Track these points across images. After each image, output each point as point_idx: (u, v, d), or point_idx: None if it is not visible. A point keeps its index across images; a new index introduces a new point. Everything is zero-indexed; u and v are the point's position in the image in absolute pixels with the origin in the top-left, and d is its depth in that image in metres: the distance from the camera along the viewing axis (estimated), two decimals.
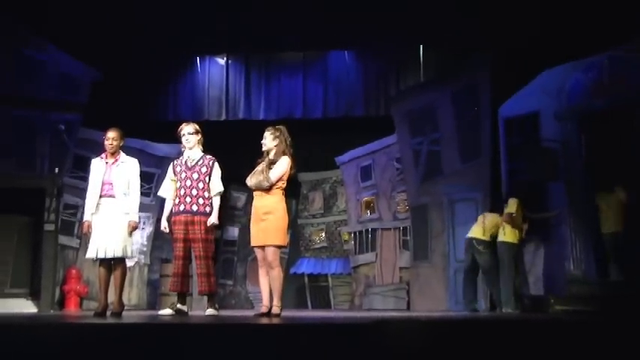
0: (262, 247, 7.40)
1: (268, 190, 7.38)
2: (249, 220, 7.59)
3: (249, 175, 7.48)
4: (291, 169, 7.49)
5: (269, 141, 7.50)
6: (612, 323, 5.35)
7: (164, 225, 7.89)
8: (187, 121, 8.30)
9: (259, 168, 7.44)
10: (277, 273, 7.40)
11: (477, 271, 10.79)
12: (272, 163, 7.43)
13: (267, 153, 7.50)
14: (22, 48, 12.50)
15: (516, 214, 10.36)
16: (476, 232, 10.73)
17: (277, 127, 7.62)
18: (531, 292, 10.79)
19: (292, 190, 12.49)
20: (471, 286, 10.83)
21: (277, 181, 7.39)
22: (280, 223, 7.46)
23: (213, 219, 7.80)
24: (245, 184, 7.58)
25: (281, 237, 7.48)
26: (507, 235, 10.36)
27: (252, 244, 7.50)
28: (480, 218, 10.88)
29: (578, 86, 10.56)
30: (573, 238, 10.36)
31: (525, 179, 10.98)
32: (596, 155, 10.32)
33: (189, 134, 7.90)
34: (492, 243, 10.61)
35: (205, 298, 7.99)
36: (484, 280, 10.86)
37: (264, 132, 7.58)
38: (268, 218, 7.36)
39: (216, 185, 7.88)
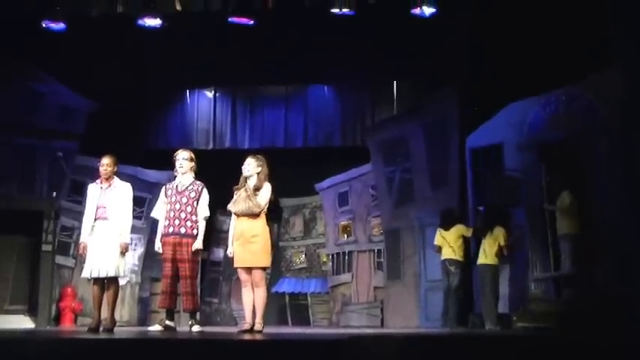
0: (248, 268, 7.37)
1: (256, 214, 7.38)
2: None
3: (232, 202, 7.45)
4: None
5: (253, 167, 7.47)
6: (568, 337, 5.39)
7: (158, 246, 7.85)
8: (179, 149, 8.27)
9: (242, 195, 7.39)
10: (263, 292, 7.39)
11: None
12: (257, 189, 7.41)
13: (246, 180, 7.47)
14: (24, 81, 12.52)
15: (506, 243, 10.40)
16: (447, 253, 10.75)
17: (258, 155, 7.62)
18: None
19: (274, 214, 12.47)
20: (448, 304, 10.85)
21: (265, 206, 7.41)
22: (266, 246, 7.46)
23: (198, 244, 7.77)
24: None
25: (267, 259, 7.49)
26: (488, 257, 10.38)
27: (239, 265, 7.42)
28: (441, 240, 10.86)
29: (538, 119, 10.67)
30: (534, 259, 10.42)
31: (490, 205, 11.03)
32: (553, 182, 10.39)
33: (184, 159, 7.89)
34: (464, 263, 10.65)
35: (189, 314, 7.95)
36: (450, 299, 10.81)
37: (245, 159, 7.56)
38: (256, 241, 7.33)
39: (203, 210, 7.85)
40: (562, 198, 9.84)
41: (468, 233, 10.80)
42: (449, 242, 10.67)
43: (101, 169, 7.86)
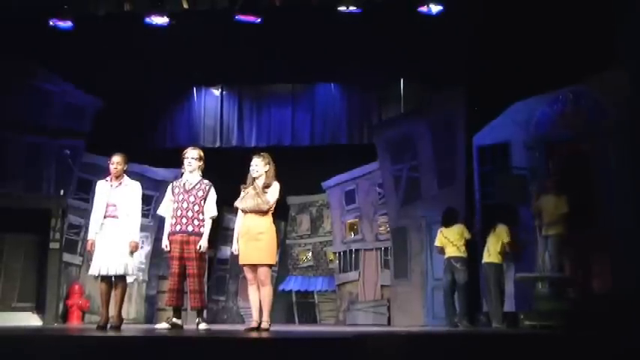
0: (254, 266, 7.37)
1: (263, 212, 7.37)
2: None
3: (240, 199, 7.43)
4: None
5: (261, 167, 7.44)
6: (574, 335, 5.39)
7: (165, 243, 7.85)
8: (186, 147, 8.26)
9: (251, 192, 7.38)
10: (268, 290, 7.37)
11: (455, 288, 10.79)
12: (267, 186, 7.40)
13: (255, 178, 7.46)
14: (32, 80, 12.56)
15: (510, 240, 10.39)
16: (452, 251, 10.72)
17: (263, 154, 7.59)
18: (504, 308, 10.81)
19: (281, 212, 12.47)
20: (452, 302, 10.81)
21: (273, 204, 7.41)
22: (272, 244, 7.44)
23: (204, 243, 7.78)
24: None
25: (272, 257, 7.47)
26: (492, 256, 10.37)
27: (245, 262, 7.38)
28: (443, 240, 10.78)
29: (545, 118, 10.67)
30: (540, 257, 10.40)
31: (496, 203, 11.02)
32: (561, 181, 10.38)
33: (193, 158, 7.89)
34: (469, 259, 10.63)
35: (196, 312, 7.97)
36: (459, 296, 10.80)
37: (252, 159, 7.54)
38: (262, 238, 7.30)
39: (211, 209, 7.86)
40: (547, 199, 9.93)
41: (468, 236, 10.74)
42: (452, 241, 10.65)
43: (112, 167, 7.90)
